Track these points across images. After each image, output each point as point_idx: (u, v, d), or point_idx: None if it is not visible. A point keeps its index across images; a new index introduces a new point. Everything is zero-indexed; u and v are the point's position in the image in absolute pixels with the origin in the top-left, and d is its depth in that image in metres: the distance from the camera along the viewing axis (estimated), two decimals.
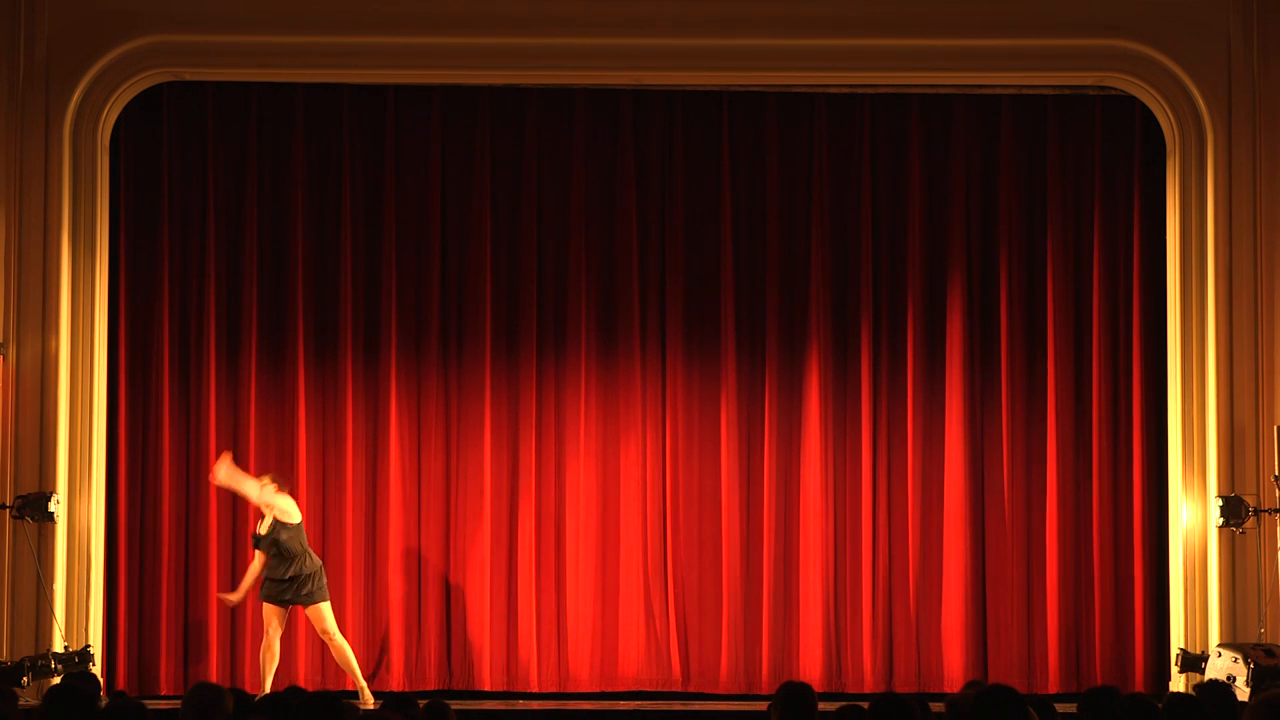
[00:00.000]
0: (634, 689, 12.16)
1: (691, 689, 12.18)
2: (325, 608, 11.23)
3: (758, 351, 12.41)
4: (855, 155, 12.45)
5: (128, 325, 12.23)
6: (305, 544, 11.24)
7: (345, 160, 12.35)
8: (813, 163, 12.45)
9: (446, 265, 12.42)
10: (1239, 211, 11.80)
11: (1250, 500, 11.48)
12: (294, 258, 12.32)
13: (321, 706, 6.02)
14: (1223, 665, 10.88)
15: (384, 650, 12.19)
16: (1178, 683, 11.50)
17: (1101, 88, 12.24)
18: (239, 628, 12.12)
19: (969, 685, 7.75)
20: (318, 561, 11.28)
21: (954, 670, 12.08)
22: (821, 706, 6.52)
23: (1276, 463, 11.38)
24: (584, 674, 12.19)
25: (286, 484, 11.43)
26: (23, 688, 10.79)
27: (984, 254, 12.44)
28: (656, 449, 12.35)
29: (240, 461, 12.21)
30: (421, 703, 7.06)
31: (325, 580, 11.30)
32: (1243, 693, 10.25)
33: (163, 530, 12.13)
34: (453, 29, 11.87)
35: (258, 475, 11.52)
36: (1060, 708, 9.24)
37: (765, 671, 12.16)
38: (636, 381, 12.36)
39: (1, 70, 11.73)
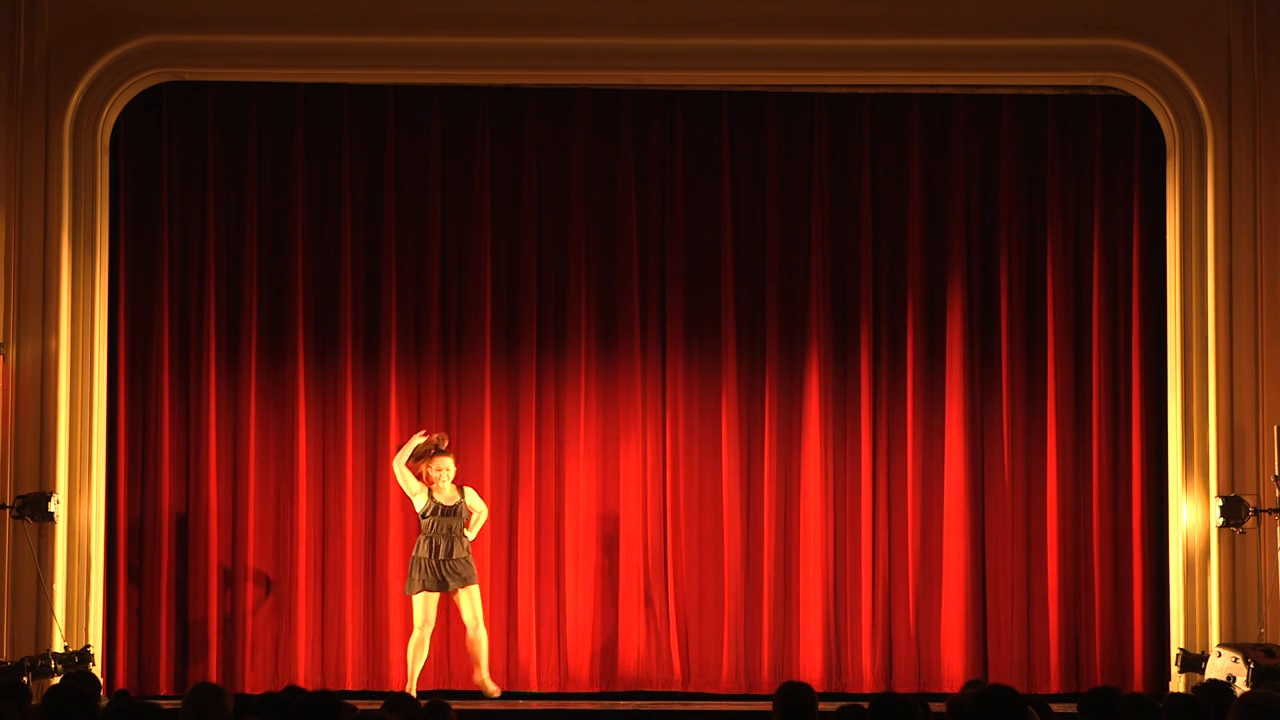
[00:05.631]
0: (634, 689, 12.15)
1: (692, 689, 12.18)
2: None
3: (758, 351, 12.42)
4: (855, 155, 12.45)
5: (128, 325, 12.23)
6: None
7: (345, 160, 12.35)
8: (813, 163, 12.45)
9: (446, 265, 12.42)
10: (1239, 211, 11.80)
11: (1250, 500, 11.48)
12: (294, 258, 12.32)
13: (321, 706, 6.02)
14: (1223, 665, 10.88)
15: (384, 650, 12.17)
16: (1178, 683, 11.50)
17: (1101, 88, 12.24)
18: (239, 628, 12.12)
19: (969, 685, 7.75)
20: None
21: (954, 670, 12.08)
22: (821, 706, 6.52)
23: (1276, 463, 11.38)
24: (584, 674, 12.19)
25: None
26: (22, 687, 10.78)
27: (984, 254, 12.44)
28: (656, 449, 12.35)
29: (240, 461, 12.23)
30: (422, 702, 7.06)
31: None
32: (1242, 693, 10.24)
33: (163, 530, 12.13)
34: (453, 29, 11.87)
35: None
36: (1060, 708, 9.24)
37: (765, 671, 12.16)
38: (636, 381, 12.37)
39: (1, 70, 11.73)
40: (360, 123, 12.40)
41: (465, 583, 11.22)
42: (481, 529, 11.76)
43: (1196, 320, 11.88)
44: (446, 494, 11.28)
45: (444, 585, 11.18)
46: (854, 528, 12.28)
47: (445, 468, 11.27)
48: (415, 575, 11.20)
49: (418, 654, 11.22)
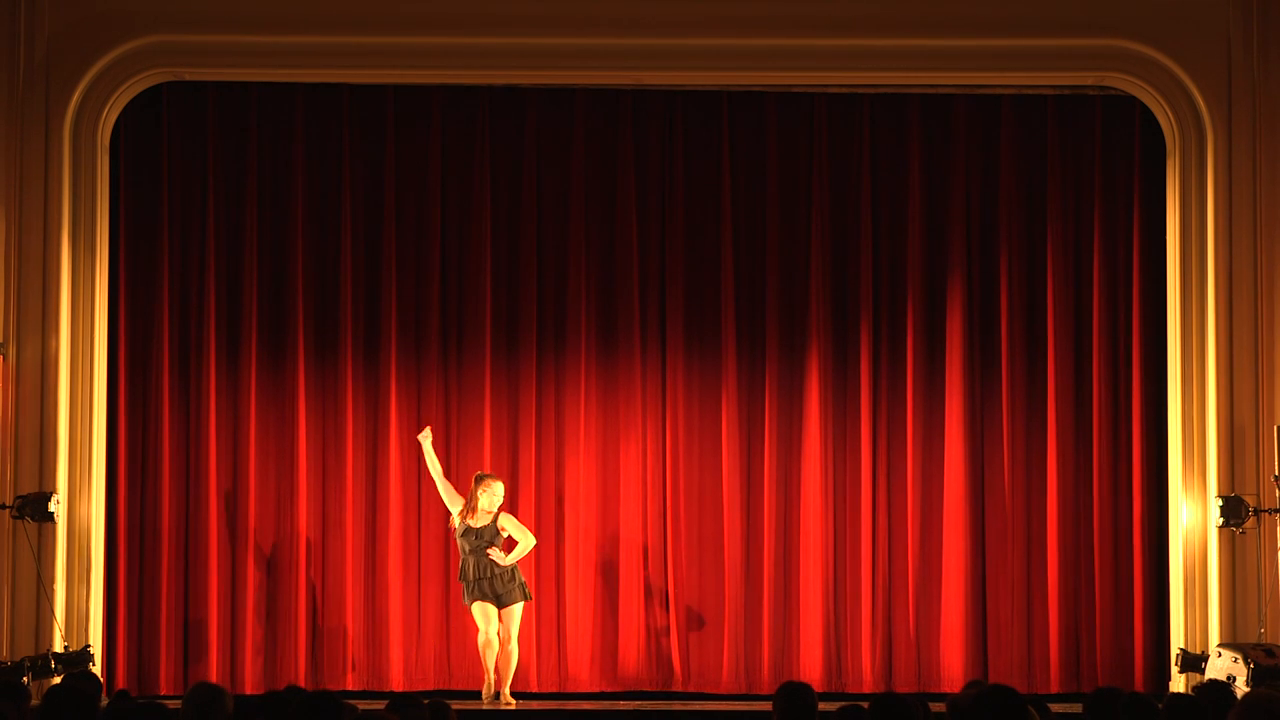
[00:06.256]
0: (634, 689, 12.16)
1: (692, 689, 12.18)
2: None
3: (758, 351, 12.42)
4: (855, 155, 12.45)
5: (128, 325, 12.23)
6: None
7: (345, 160, 12.35)
8: (813, 163, 12.45)
9: (446, 265, 12.42)
10: (1239, 211, 11.80)
11: (1250, 500, 11.49)
12: (294, 258, 12.32)
13: (321, 706, 6.02)
14: (1223, 665, 10.88)
15: (384, 650, 12.17)
16: (1178, 683, 11.51)
17: (1101, 88, 12.24)
18: (239, 628, 12.12)
19: (969, 685, 7.74)
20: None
21: (954, 670, 12.08)
22: (821, 706, 6.51)
23: (1276, 463, 11.38)
24: (584, 674, 12.19)
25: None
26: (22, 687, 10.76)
27: (984, 254, 12.44)
28: (656, 448, 12.36)
29: (240, 461, 12.23)
30: (425, 701, 7.05)
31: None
32: (1243, 693, 10.24)
33: (163, 530, 12.12)
34: (453, 29, 11.87)
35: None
36: (1060, 708, 9.25)
37: (765, 671, 12.16)
38: (636, 381, 12.37)
39: (1, 70, 11.74)
40: (360, 123, 12.40)
41: (502, 601, 11.29)
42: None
43: (1196, 320, 11.88)
44: (479, 517, 11.33)
45: (491, 597, 11.30)
46: (854, 528, 12.28)
47: (492, 492, 11.35)
48: (465, 589, 11.39)
49: (486, 653, 11.36)
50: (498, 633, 11.34)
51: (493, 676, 11.36)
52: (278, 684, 11.74)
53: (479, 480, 11.40)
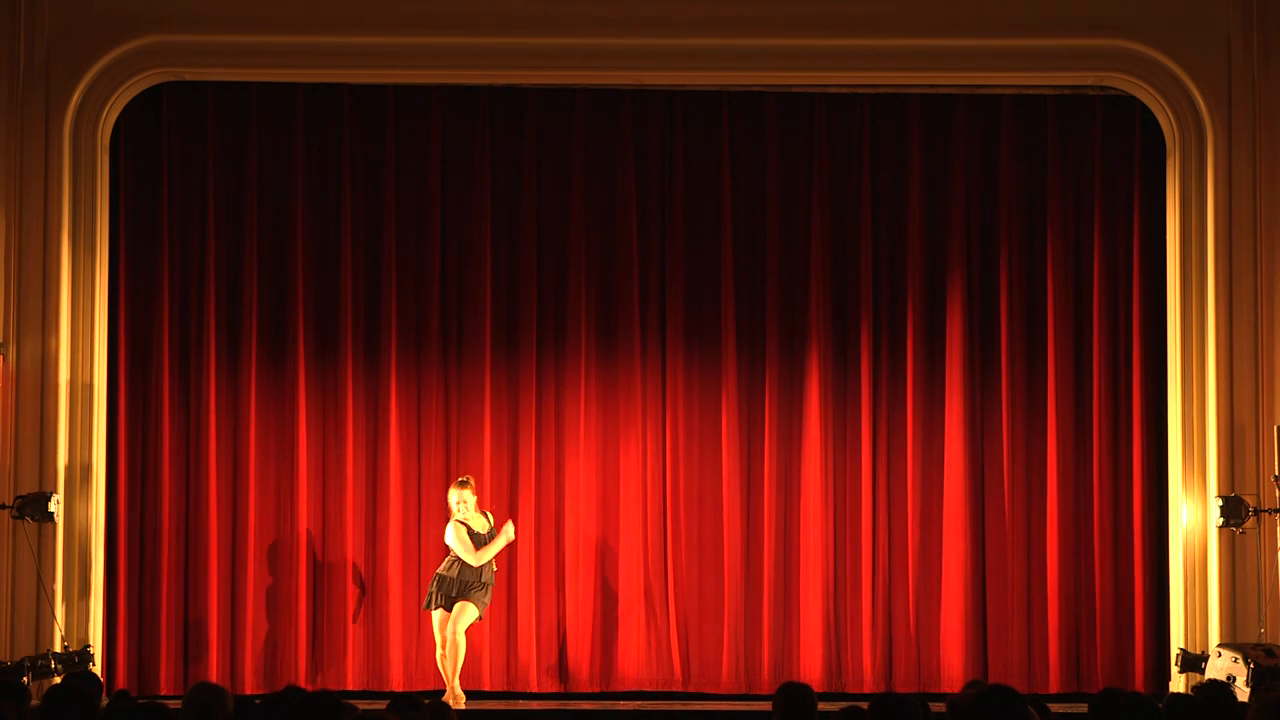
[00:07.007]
0: (634, 689, 12.16)
1: (692, 689, 12.19)
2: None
3: (758, 351, 12.42)
4: (855, 155, 12.45)
5: (128, 325, 12.23)
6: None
7: (345, 160, 12.35)
8: (813, 163, 12.46)
9: (446, 265, 12.43)
10: (1239, 211, 11.80)
11: (1250, 500, 11.49)
12: (294, 257, 12.32)
13: (321, 706, 6.02)
14: (1223, 665, 10.88)
15: (384, 650, 12.18)
16: (1178, 683, 11.51)
17: (1101, 88, 12.25)
18: (239, 628, 12.12)
19: (969, 685, 7.74)
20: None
21: (954, 670, 12.08)
22: (821, 706, 6.51)
23: (1276, 463, 11.38)
24: (584, 674, 12.20)
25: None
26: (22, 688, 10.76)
27: (984, 254, 12.44)
28: (657, 449, 12.36)
29: (240, 461, 12.23)
30: (425, 702, 7.06)
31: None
32: (1243, 693, 10.26)
33: (163, 530, 12.13)
34: (453, 29, 11.88)
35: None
36: (1060, 708, 9.23)
37: (765, 671, 12.17)
38: (636, 381, 12.37)
39: (1, 70, 11.74)
40: (360, 123, 12.40)
41: (461, 595, 11.24)
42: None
43: (1196, 320, 11.88)
44: (478, 524, 11.34)
45: (449, 601, 11.30)
46: (854, 528, 12.28)
47: (461, 500, 11.31)
48: (434, 590, 11.31)
49: (443, 665, 11.29)
50: (451, 623, 11.33)
51: (454, 679, 11.28)
52: (278, 684, 11.75)
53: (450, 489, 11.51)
